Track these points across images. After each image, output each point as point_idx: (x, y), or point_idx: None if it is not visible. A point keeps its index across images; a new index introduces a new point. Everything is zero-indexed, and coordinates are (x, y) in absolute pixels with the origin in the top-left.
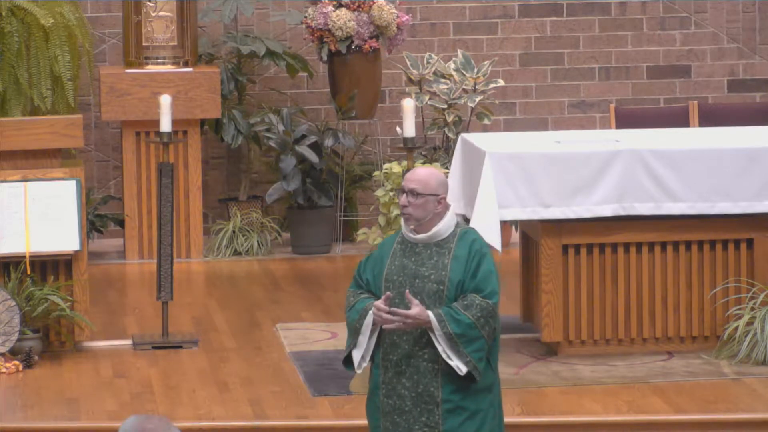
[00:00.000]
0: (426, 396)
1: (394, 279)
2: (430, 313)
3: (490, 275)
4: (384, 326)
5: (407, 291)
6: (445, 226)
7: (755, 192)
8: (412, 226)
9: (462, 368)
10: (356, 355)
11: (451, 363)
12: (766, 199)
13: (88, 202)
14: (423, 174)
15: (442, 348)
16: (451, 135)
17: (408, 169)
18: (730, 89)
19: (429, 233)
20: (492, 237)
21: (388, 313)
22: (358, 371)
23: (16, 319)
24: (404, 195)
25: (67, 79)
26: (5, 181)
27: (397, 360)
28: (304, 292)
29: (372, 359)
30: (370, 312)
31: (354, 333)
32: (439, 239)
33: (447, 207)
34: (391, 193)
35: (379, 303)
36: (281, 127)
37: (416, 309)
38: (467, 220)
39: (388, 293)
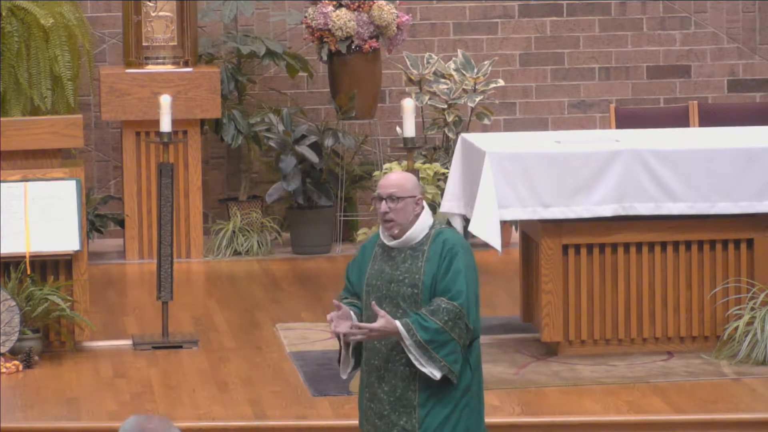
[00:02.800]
0: (404, 400)
1: (373, 283)
2: (397, 323)
3: (458, 275)
4: (350, 338)
5: (373, 303)
6: (419, 228)
7: (755, 192)
8: (396, 232)
9: (436, 374)
10: (340, 360)
11: (424, 370)
12: (766, 199)
13: (88, 202)
14: (397, 178)
15: (414, 356)
16: (451, 135)
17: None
18: (730, 89)
19: (403, 239)
20: (492, 237)
21: (353, 326)
22: (343, 377)
23: (16, 319)
24: (383, 202)
25: (67, 79)
26: (5, 181)
27: (377, 364)
28: (304, 292)
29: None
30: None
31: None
32: (414, 242)
33: (422, 207)
34: None
35: (331, 315)
36: (281, 127)
37: (381, 321)
38: (467, 221)
39: (336, 302)
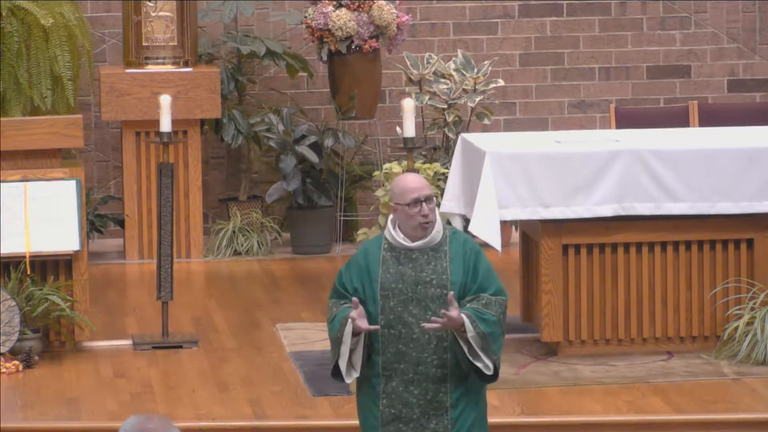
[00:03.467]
0: (435, 403)
1: (392, 287)
2: (463, 315)
3: (490, 272)
4: (425, 326)
5: (450, 293)
6: (439, 229)
7: (755, 192)
8: (431, 234)
9: (490, 366)
10: (342, 365)
11: (477, 363)
12: (766, 199)
13: (88, 202)
14: (423, 179)
15: (469, 348)
16: (451, 135)
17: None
18: (730, 89)
19: (427, 239)
20: (492, 237)
21: (430, 321)
22: (348, 381)
23: (16, 319)
24: (422, 205)
25: (67, 79)
26: (5, 181)
27: (403, 368)
28: (304, 292)
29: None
30: (350, 321)
31: (336, 344)
32: (434, 243)
33: None
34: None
35: (354, 314)
36: (281, 127)
37: (455, 312)
38: (467, 221)
39: (355, 299)
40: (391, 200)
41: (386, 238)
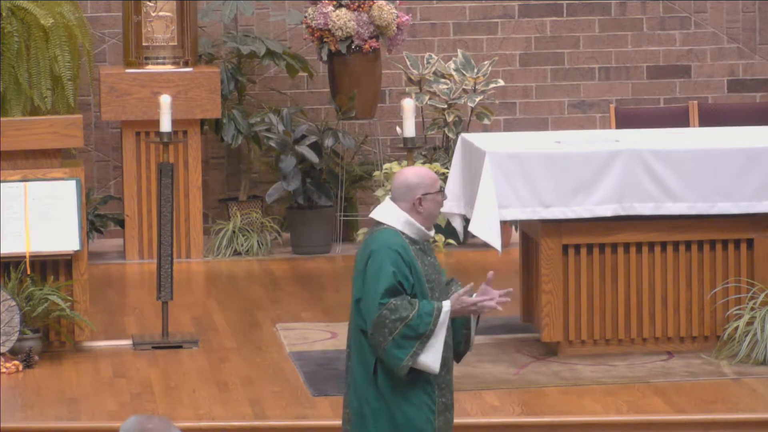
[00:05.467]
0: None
1: (432, 278)
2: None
3: None
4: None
5: (490, 272)
6: None
7: (755, 192)
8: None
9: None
10: (433, 357)
11: (474, 336)
12: (766, 199)
13: (88, 202)
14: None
15: (474, 328)
16: (451, 135)
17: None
18: (730, 89)
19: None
20: (492, 237)
21: (503, 295)
22: (439, 372)
23: (16, 319)
24: (440, 194)
25: (67, 79)
26: (5, 181)
27: (447, 356)
28: (304, 292)
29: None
30: (446, 309)
31: (425, 338)
32: None
33: None
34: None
35: (464, 296)
36: (281, 127)
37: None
38: (467, 221)
39: (491, 272)
40: (416, 193)
41: (403, 233)
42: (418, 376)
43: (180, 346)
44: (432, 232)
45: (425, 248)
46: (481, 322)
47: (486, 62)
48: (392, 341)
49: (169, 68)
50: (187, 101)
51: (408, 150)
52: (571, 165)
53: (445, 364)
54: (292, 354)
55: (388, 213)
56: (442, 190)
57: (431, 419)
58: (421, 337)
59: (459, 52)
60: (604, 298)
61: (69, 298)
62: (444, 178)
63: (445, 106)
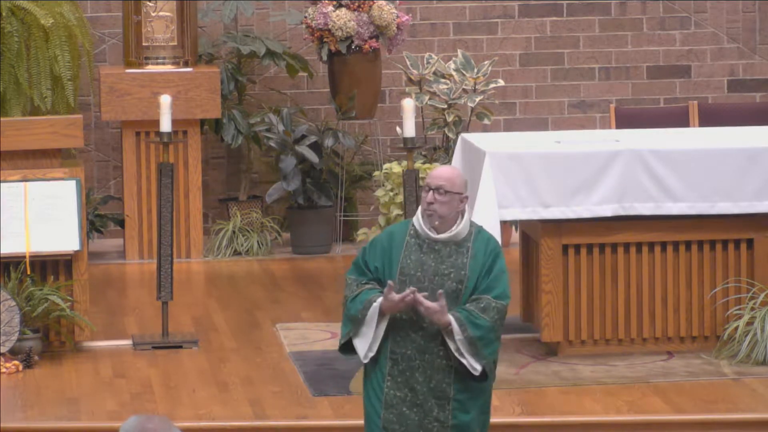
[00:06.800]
0: (438, 391)
1: (411, 274)
2: (450, 317)
3: (502, 275)
4: (416, 296)
5: (439, 292)
6: (465, 225)
7: (755, 192)
8: (436, 223)
9: (477, 367)
10: (361, 346)
11: (463, 361)
12: (766, 199)
13: (88, 202)
14: (450, 172)
15: (456, 347)
16: (451, 135)
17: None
18: (730, 89)
19: (452, 233)
20: None
21: (413, 293)
22: (365, 361)
23: (16, 319)
24: (431, 192)
25: (67, 79)
26: (5, 181)
27: (410, 354)
28: (304, 292)
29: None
30: (375, 304)
31: (356, 323)
32: (460, 238)
33: (465, 206)
34: (391, 193)
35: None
36: (281, 127)
37: (438, 306)
38: None
39: (391, 282)
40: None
41: (413, 225)
42: (376, 361)
43: (180, 346)
44: (440, 235)
45: (428, 245)
46: None
47: (486, 62)
48: (343, 314)
49: (169, 68)
50: (187, 101)
51: (408, 150)
52: (571, 165)
53: (404, 360)
54: (292, 354)
55: None
56: (427, 189)
57: (377, 409)
58: (353, 320)
59: (459, 52)
60: (604, 298)
61: (69, 298)
62: None
63: (445, 106)
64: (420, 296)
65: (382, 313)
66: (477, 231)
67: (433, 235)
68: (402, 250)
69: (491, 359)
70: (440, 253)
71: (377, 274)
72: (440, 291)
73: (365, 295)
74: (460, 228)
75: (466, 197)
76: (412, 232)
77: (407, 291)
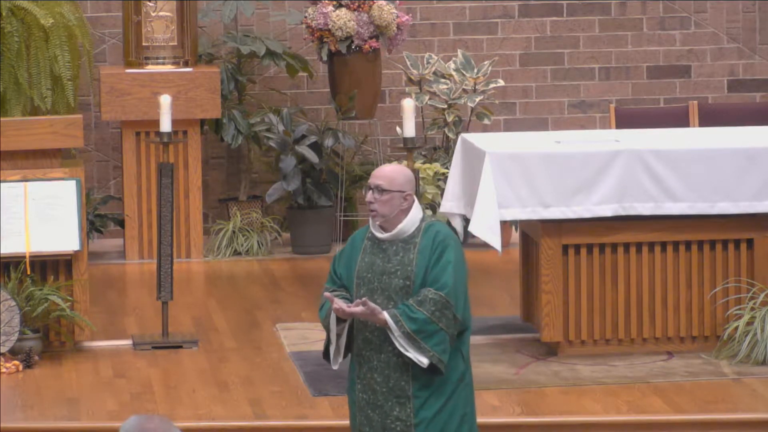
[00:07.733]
0: (397, 390)
1: (363, 276)
2: (385, 314)
3: (447, 266)
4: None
5: (365, 299)
6: (410, 222)
7: (755, 192)
8: (378, 223)
9: (423, 360)
10: (332, 352)
11: (408, 354)
12: (766, 199)
13: (88, 202)
14: (389, 171)
15: (402, 346)
16: (451, 135)
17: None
18: (730, 89)
19: (394, 231)
20: (492, 237)
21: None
22: (334, 367)
23: (16, 319)
24: (370, 192)
25: (67, 79)
26: (5, 181)
27: (369, 355)
28: (304, 292)
29: (346, 355)
30: (331, 312)
31: (325, 330)
32: (405, 235)
33: (412, 203)
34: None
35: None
36: (281, 127)
37: (367, 310)
38: (467, 221)
39: (328, 295)
40: None
41: (370, 228)
42: (352, 365)
43: (180, 346)
44: (384, 234)
45: (377, 246)
46: (481, 322)
47: (486, 62)
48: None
49: (169, 68)
50: (187, 101)
51: (408, 150)
52: (571, 165)
53: (366, 362)
54: (292, 354)
55: None
56: (367, 189)
57: (353, 411)
58: (324, 328)
59: (459, 52)
60: (604, 298)
61: (69, 298)
62: (444, 178)
63: (445, 106)
64: (352, 304)
65: (340, 321)
66: (427, 226)
67: (380, 234)
68: (360, 253)
69: (438, 350)
70: (387, 252)
71: (343, 280)
72: (364, 298)
73: (328, 303)
74: (402, 226)
75: (410, 194)
76: (369, 235)
77: (357, 301)
